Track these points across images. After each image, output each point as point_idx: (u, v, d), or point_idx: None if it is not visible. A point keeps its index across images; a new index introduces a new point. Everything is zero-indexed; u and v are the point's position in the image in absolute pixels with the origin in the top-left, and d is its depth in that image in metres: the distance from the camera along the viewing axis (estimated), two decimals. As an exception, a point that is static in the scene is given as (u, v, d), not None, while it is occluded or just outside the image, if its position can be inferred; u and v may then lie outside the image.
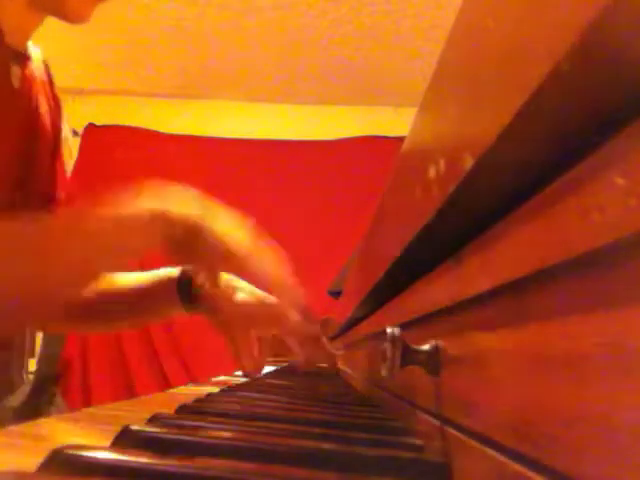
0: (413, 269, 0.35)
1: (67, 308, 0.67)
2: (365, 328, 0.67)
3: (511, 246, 0.20)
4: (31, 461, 0.19)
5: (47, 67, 0.81)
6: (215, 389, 0.56)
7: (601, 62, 0.13)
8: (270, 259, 0.62)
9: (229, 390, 0.56)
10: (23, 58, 0.71)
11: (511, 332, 0.21)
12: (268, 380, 0.73)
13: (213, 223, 0.62)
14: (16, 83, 0.69)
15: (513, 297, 0.21)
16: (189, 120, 3.24)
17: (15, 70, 0.69)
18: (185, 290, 0.72)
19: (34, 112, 0.73)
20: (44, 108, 0.76)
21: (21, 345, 2.28)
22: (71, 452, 0.20)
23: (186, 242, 0.57)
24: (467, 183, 0.21)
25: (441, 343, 0.30)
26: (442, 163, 0.24)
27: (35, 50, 0.77)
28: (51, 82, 0.81)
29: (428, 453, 0.28)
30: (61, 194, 0.81)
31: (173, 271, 0.76)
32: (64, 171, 0.84)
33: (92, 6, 0.65)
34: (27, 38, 0.71)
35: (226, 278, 0.73)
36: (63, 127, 0.83)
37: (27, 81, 0.71)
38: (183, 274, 0.74)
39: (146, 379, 2.78)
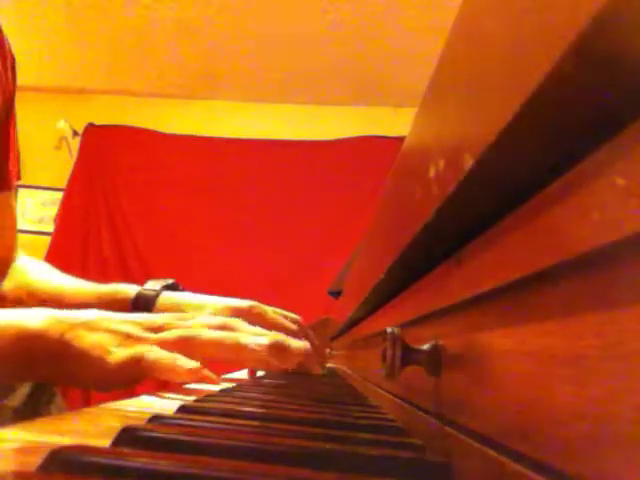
0: (413, 269, 0.35)
1: None
2: (365, 328, 0.68)
3: (511, 246, 0.20)
4: (31, 461, 0.19)
5: None
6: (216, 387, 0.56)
7: (601, 62, 0.13)
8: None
9: (229, 390, 0.56)
10: None
11: (511, 332, 0.21)
12: (267, 380, 0.73)
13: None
14: None
15: (513, 297, 0.21)
16: (189, 120, 3.24)
17: None
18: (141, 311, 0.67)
19: None
20: None
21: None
22: (71, 452, 0.20)
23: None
24: (467, 183, 0.21)
25: (441, 343, 0.30)
26: (442, 163, 0.24)
27: None
28: (1, 43, 0.74)
29: (428, 453, 0.28)
30: (13, 161, 0.77)
31: (129, 290, 0.71)
32: (15, 139, 0.78)
33: None
34: None
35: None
36: (15, 86, 0.77)
37: None
38: (140, 298, 0.70)
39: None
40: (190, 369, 0.51)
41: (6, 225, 0.80)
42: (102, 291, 0.73)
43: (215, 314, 0.65)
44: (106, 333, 0.52)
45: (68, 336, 0.51)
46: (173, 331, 0.54)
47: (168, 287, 0.74)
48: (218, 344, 0.54)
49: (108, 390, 0.54)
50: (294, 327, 0.70)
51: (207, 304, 0.69)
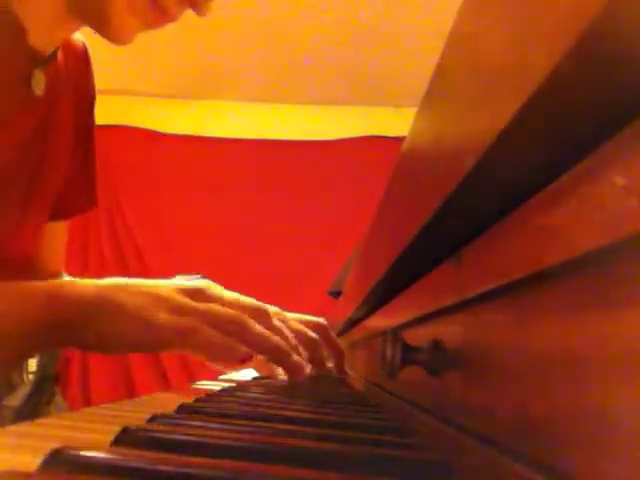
0: (413, 269, 0.35)
1: None
2: (365, 328, 0.67)
3: (511, 246, 0.20)
4: (31, 461, 0.19)
5: (86, 54, 0.74)
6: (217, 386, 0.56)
7: (601, 62, 0.13)
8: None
9: (229, 390, 0.56)
10: (50, 61, 0.64)
11: (511, 332, 0.21)
12: (267, 380, 0.73)
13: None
14: (38, 90, 0.62)
15: (513, 297, 0.21)
16: (189, 120, 3.24)
17: (38, 75, 0.62)
18: None
19: (55, 114, 0.67)
20: (68, 106, 0.70)
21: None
22: (71, 452, 0.20)
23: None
24: (467, 183, 0.21)
25: (441, 343, 0.30)
26: (442, 163, 0.24)
27: (78, 41, 0.71)
28: (87, 73, 0.74)
29: (428, 453, 0.28)
30: (76, 191, 0.77)
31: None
32: (92, 164, 0.79)
33: (137, 31, 0.59)
34: (58, 42, 0.65)
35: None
36: (94, 119, 0.78)
37: (51, 84, 0.64)
38: None
39: (146, 379, 2.78)
40: (242, 359, 0.51)
41: (55, 250, 0.81)
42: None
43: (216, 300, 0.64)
44: (148, 297, 0.52)
45: (105, 297, 0.51)
46: (226, 311, 0.54)
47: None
48: (264, 341, 0.54)
49: (145, 351, 0.54)
50: (315, 336, 0.67)
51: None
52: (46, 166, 0.68)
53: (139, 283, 0.54)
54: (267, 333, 0.54)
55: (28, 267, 0.75)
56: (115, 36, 0.59)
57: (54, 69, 0.66)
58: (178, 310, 0.51)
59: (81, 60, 0.74)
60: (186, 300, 0.53)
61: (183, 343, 0.51)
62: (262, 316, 0.56)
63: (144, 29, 0.60)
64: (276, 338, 0.55)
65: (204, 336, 0.50)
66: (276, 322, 0.58)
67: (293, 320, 0.66)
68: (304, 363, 0.57)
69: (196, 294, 0.54)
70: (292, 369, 0.56)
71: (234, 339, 0.52)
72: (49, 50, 0.63)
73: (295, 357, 0.56)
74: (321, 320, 0.71)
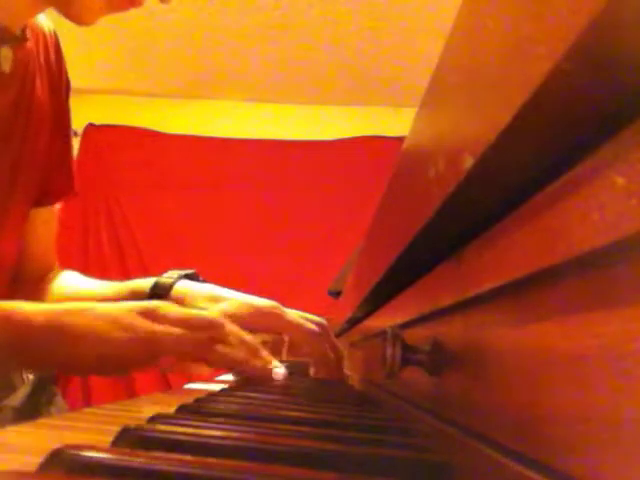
0: (413, 269, 0.35)
1: None
2: (365, 328, 0.67)
3: (511, 246, 0.20)
4: (31, 461, 0.19)
5: (56, 40, 0.75)
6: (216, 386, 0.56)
7: (601, 62, 0.13)
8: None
9: (229, 390, 0.56)
10: (18, 40, 0.65)
11: (511, 332, 0.21)
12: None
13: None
14: (6, 67, 0.64)
15: (513, 297, 0.21)
16: (189, 120, 3.24)
17: (5, 52, 0.63)
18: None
19: (29, 95, 0.68)
20: (42, 89, 0.71)
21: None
22: (71, 452, 0.20)
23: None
24: (467, 183, 0.21)
25: (441, 343, 0.30)
26: (442, 163, 0.24)
27: (43, 21, 0.72)
28: (58, 58, 0.76)
29: (428, 453, 0.28)
30: (60, 177, 0.79)
31: (146, 283, 0.71)
32: (69, 152, 0.81)
33: (101, 12, 0.60)
34: (23, 20, 0.66)
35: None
36: (69, 104, 0.79)
37: (21, 64, 0.66)
38: (157, 286, 0.69)
39: (146, 379, 2.78)
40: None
41: (45, 237, 0.82)
42: (120, 287, 0.73)
43: (233, 309, 0.64)
44: (103, 320, 0.52)
45: (56, 322, 0.50)
46: (182, 333, 0.54)
47: (188, 277, 0.73)
48: (221, 359, 0.56)
49: (108, 373, 0.54)
50: (315, 328, 0.67)
51: (225, 298, 0.68)
52: (27, 150, 0.69)
53: (93, 306, 0.54)
54: (222, 352, 0.56)
55: (17, 256, 0.75)
56: (79, 16, 0.59)
57: (24, 51, 0.67)
58: (135, 330, 0.52)
59: (52, 47, 0.75)
60: (141, 320, 0.53)
61: (149, 356, 0.51)
62: (216, 330, 0.57)
63: (108, 11, 0.61)
64: (232, 353, 0.56)
65: (170, 341, 0.51)
66: (232, 329, 0.58)
67: (293, 314, 0.66)
68: (268, 362, 0.58)
69: (151, 314, 0.54)
70: (256, 374, 0.57)
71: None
72: (15, 28, 0.64)
73: (254, 362, 0.57)
74: (322, 320, 0.71)
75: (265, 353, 0.59)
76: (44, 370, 0.54)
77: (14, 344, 0.49)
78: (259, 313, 0.64)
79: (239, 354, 0.57)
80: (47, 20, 0.74)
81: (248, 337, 0.58)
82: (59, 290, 0.78)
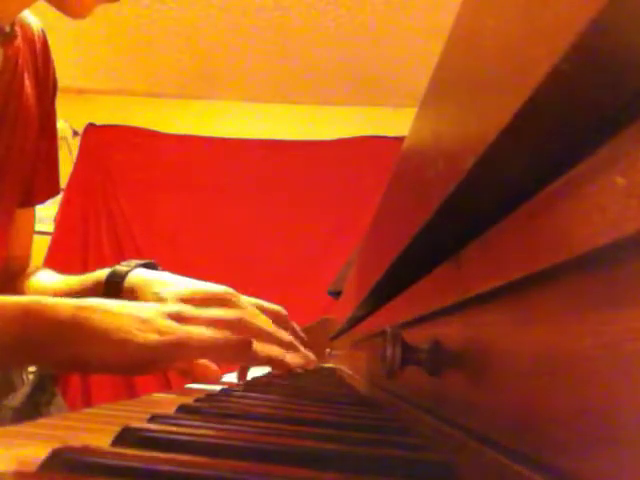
0: (413, 269, 0.35)
1: None
2: (365, 328, 0.67)
3: (511, 246, 0.20)
4: (31, 461, 0.19)
5: (44, 38, 0.76)
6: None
7: (601, 62, 0.13)
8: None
9: (229, 390, 0.56)
10: (7, 36, 0.65)
11: (511, 332, 0.21)
12: (267, 380, 0.73)
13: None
14: None
15: (513, 297, 0.21)
16: (189, 120, 3.24)
17: None
18: (113, 292, 0.66)
19: (17, 94, 0.69)
20: (30, 89, 0.72)
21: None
22: (71, 452, 0.20)
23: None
24: (467, 183, 0.21)
25: (441, 343, 0.30)
26: (442, 163, 0.24)
27: (32, 20, 0.72)
28: (46, 56, 0.76)
29: (428, 453, 0.28)
30: (43, 178, 0.79)
31: (104, 272, 0.70)
32: (54, 150, 0.82)
33: (92, 5, 0.60)
34: (13, 15, 0.66)
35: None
36: (55, 103, 0.80)
37: (10, 61, 0.66)
38: (113, 274, 0.68)
39: (146, 379, 2.78)
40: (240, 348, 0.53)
41: (26, 238, 0.83)
42: (84, 278, 0.72)
43: (187, 294, 0.63)
44: (130, 319, 0.51)
45: (83, 318, 0.49)
46: (212, 332, 0.54)
47: (146, 266, 0.73)
48: (257, 355, 0.56)
49: (129, 372, 0.54)
50: (268, 319, 0.67)
51: (177, 285, 0.66)
52: (15, 149, 0.70)
53: (122, 304, 0.53)
54: (258, 351, 0.57)
55: (4, 256, 0.75)
56: (72, 9, 0.59)
57: (13, 48, 0.67)
58: (161, 332, 0.51)
59: (40, 45, 0.75)
60: (169, 322, 0.52)
61: (180, 357, 0.51)
62: (247, 328, 0.58)
63: (100, 2, 0.60)
64: (266, 350, 0.57)
65: (195, 340, 0.51)
66: (261, 325, 0.60)
67: (247, 302, 0.65)
68: (302, 354, 0.60)
69: (178, 316, 0.54)
70: (294, 366, 0.58)
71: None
72: (4, 24, 0.64)
73: (289, 358, 0.59)
74: (279, 308, 0.71)
75: (297, 344, 0.60)
76: (61, 368, 0.54)
77: (33, 339, 0.48)
78: (212, 300, 0.63)
79: (273, 350, 0.59)
80: (35, 18, 0.74)
81: (279, 331, 0.59)
82: (33, 287, 0.78)
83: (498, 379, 0.22)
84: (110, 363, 0.50)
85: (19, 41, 0.69)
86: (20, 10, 0.67)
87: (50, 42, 0.78)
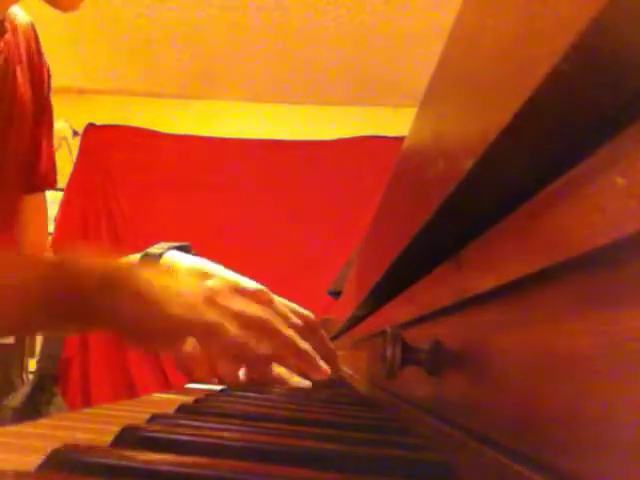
0: (413, 269, 0.35)
1: None
2: (365, 328, 0.67)
3: (511, 246, 0.20)
4: (31, 461, 0.19)
5: (34, 31, 0.77)
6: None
7: (601, 62, 0.13)
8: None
9: (229, 390, 0.56)
10: None
11: (511, 332, 0.21)
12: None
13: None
14: None
15: (513, 297, 0.21)
16: (189, 120, 3.24)
17: None
18: None
19: (10, 86, 0.70)
20: (23, 79, 0.73)
21: (20, 345, 2.28)
22: (71, 452, 0.20)
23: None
24: (467, 183, 0.21)
25: (441, 343, 0.30)
26: (442, 163, 0.24)
27: (20, 15, 0.73)
28: (37, 48, 0.77)
29: (428, 453, 0.28)
30: (45, 163, 0.81)
31: (136, 256, 0.71)
32: (50, 141, 0.83)
33: None
34: (3, 10, 0.67)
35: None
36: (50, 95, 0.81)
37: (1, 54, 0.68)
38: (146, 256, 0.69)
39: (146, 379, 2.78)
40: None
41: (40, 224, 0.85)
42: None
43: (217, 287, 0.63)
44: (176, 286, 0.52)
45: (131, 276, 0.50)
46: (254, 312, 0.54)
47: (180, 249, 0.73)
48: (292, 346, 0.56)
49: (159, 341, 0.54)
50: (300, 323, 0.66)
51: (211, 275, 0.65)
52: (11, 139, 0.71)
53: (161, 275, 0.54)
54: (275, 372, 0.58)
55: (9, 242, 0.77)
56: (61, 2, 0.59)
57: (3, 43, 0.68)
58: (191, 309, 0.51)
59: (31, 40, 0.76)
60: (200, 303, 0.53)
61: (206, 335, 0.51)
62: (275, 336, 0.58)
63: None
64: (283, 374, 0.57)
65: (228, 335, 0.51)
66: (284, 331, 0.59)
67: (281, 303, 0.64)
68: (321, 372, 0.59)
69: (211, 300, 0.54)
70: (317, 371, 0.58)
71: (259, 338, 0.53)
72: None
73: (294, 382, 0.59)
74: (311, 314, 0.70)
75: (316, 357, 0.58)
76: (88, 323, 0.54)
77: (81, 289, 0.49)
78: (245, 292, 0.63)
79: (292, 378, 0.59)
80: (23, 13, 0.75)
81: (301, 342, 0.57)
82: None
83: (498, 379, 0.22)
84: (132, 324, 0.50)
85: (9, 36, 0.70)
86: (9, 6, 0.68)
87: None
